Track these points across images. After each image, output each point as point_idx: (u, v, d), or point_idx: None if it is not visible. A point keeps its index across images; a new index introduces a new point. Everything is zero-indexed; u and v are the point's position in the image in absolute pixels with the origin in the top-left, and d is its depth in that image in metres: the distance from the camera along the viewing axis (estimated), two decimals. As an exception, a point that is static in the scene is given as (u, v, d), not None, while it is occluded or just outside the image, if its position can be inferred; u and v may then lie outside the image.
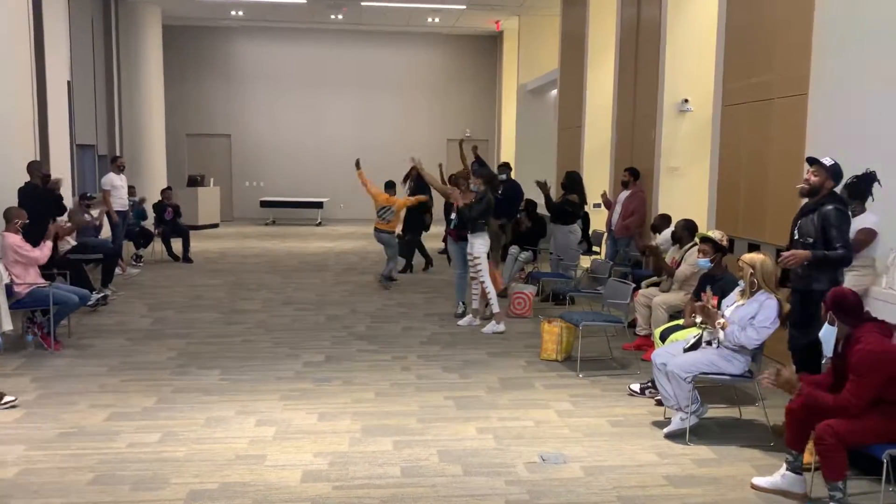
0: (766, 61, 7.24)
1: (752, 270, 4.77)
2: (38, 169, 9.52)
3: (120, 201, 11.39)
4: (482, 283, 7.94)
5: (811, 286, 4.85)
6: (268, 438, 4.83)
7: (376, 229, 10.59)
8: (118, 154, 16.04)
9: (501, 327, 7.87)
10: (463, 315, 8.59)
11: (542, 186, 9.91)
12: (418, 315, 8.66)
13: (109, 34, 16.52)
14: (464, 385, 6.06)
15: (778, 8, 7.05)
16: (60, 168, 12.81)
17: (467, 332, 7.91)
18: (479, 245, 7.91)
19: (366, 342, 7.40)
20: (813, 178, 5.08)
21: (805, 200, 5.13)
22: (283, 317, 8.50)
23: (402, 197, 11.13)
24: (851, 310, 4.04)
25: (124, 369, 6.35)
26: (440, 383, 6.09)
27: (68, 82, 13.66)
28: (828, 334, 4.11)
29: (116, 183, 11.37)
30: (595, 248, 10.63)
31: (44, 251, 7.17)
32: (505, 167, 11.54)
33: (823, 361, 5.22)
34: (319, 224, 19.27)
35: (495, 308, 7.94)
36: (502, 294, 9.16)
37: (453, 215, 8.40)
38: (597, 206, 11.11)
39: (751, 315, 4.75)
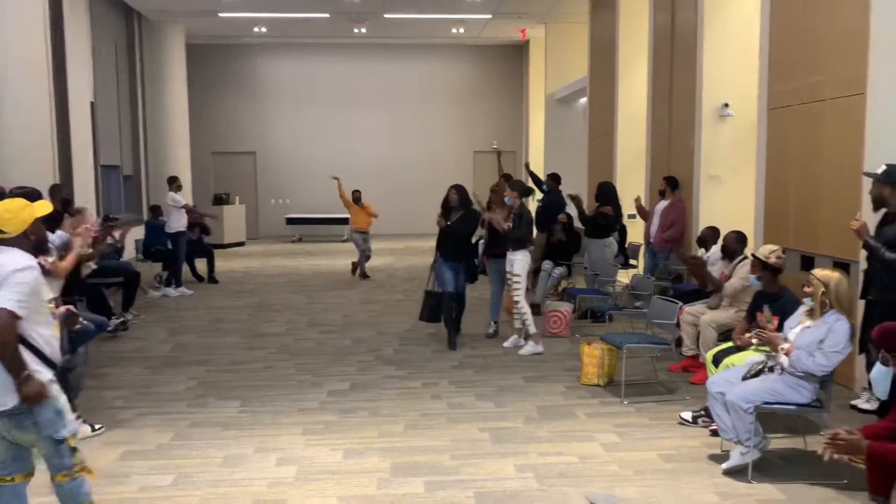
0: (816, 60, 6.76)
1: (824, 289, 4.29)
2: (59, 193, 9.33)
3: (181, 221, 11.30)
4: (516, 302, 7.50)
5: (892, 297, 4.41)
6: (289, 480, 4.45)
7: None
8: (130, 173, 15.95)
9: (540, 348, 7.44)
10: (495, 335, 8.19)
11: (575, 200, 9.50)
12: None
13: (133, 54, 16.46)
14: (499, 415, 5.63)
15: (828, 1, 6.58)
16: (85, 189, 12.71)
17: (501, 354, 7.49)
18: (520, 262, 7.47)
19: (394, 367, 7.01)
20: (872, 192, 4.81)
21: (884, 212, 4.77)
22: (307, 340, 8.15)
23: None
24: None
25: (140, 401, 6.03)
26: (474, 413, 5.67)
27: (91, 103, 13.57)
28: (880, 375, 3.60)
29: (181, 202, 11.33)
30: (632, 262, 10.16)
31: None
32: (551, 178, 11.15)
33: (874, 407, 4.76)
34: (346, 240, 18.95)
35: (532, 329, 7.49)
36: (536, 311, 8.74)
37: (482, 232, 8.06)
38: (631, 216, 10.66)
39: (819, 339, 4.26)
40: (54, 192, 9.09)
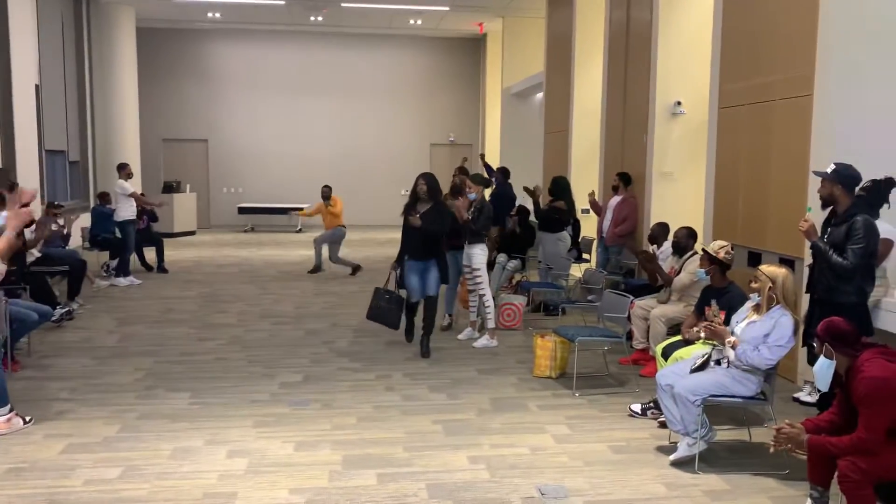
0: (766, 61, 6.92)
1: (771, 284, 4.40)
2: (5, 177, 9.05)
3: (130, 209, 11.07)
4: (482, 295, 7.52)
5: (837, 298, 4.53)
6: (239, 472, 4.40)
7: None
8: (77, 158, 15.53)
9: (494, 343, 7.48)
10: (450, 327, 8.21)
11: (531, 193, 9.55)
12: (403, 328, 8.22)
13: (81, 36, 16.00)
14: (453, 407, 5.65)
15: (778, 4, 6.73)
16: (29, 174, 12.33)
17: (455, 346, 7.51)
18: (479, 255, 7.45)
19: (347, 359, 6.97)
20: (822, 191, 4.90)
21: (830, 209, 4.89)
22: (259, 331, 8.06)
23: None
24: (847, 338, 3.66)
25: (86, 392, 5.89)
26: (427, 405, 5.68)
27: (36, 86, 13.18)
28: (823, 368, 3.73)
29: (129, 190, 11.08)
30: (585, 256, 10.28)
31: None
32: (500, 172, 11.17)
33: (815, 399, 4.91)
34: (300, 231, 18.81)
35: (491, 323, 7.52)
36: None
37: None
38: (585, 211, 10.78)
39: (765, 333, 4.38)
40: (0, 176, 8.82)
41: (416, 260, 7.05)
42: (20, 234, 5.56)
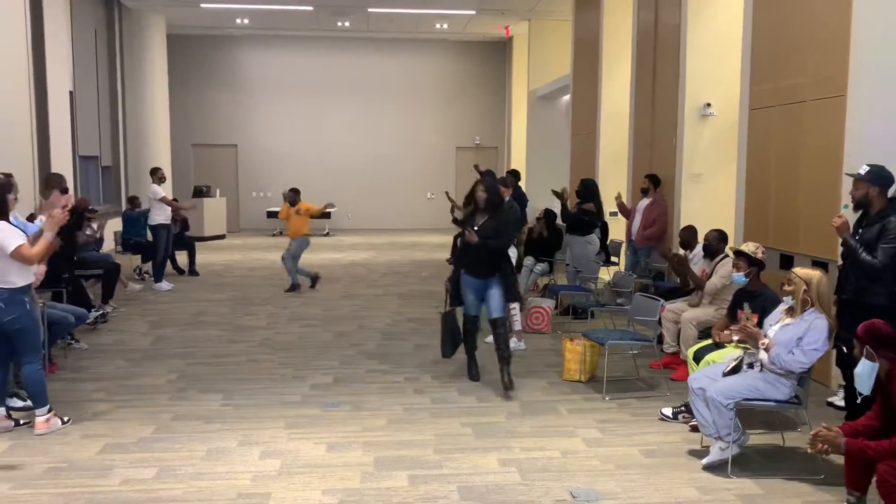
0: (797, 62, 6.85)
1: (805, 287, 4.36)
2: (58, 183, 9.16)
3: (164, 213, 11.08)
4: None
5: (867, 300, 4.47)
6: (272, 473, 4.45)
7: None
8: (109, 163, 15.77)
9: (522, 345, 7.47)
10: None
11: (560, 195, 9.52)
12: (429, 331, 8.25)
13: (113, 44, 16.27)
14: (482, 410, 5.66)
15: (810, 4, 6.66)
16: (62, 180, 12.55)
17: (483, 349, 7.48)
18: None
19: (376, 361, 7.02)
20: (855, 193, 4.84)
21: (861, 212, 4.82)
22: (288, 334, 8.13)
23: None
24: (888, 341, 3.61)
25: (121, 394, 5.99)
26: (457, 408, 5.70)
27: (70, 92, 13.42)
28: (864, 371, 3.68)
29: (160, 194, 11.11)
30: (614, 259, 10.23)
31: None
32: (511, 174, 11.09)
33: (858, 401, 4.85)
34: (327, 234, 18.94)
35: (517, 325, 7.51)
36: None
37: None
38: (612, 213, 10.72)
39: (798, 336, 4.34)
40: (51, 180, 8.91)
41: (474, 277, 6.23)
42: (59, 234, 5.56)
